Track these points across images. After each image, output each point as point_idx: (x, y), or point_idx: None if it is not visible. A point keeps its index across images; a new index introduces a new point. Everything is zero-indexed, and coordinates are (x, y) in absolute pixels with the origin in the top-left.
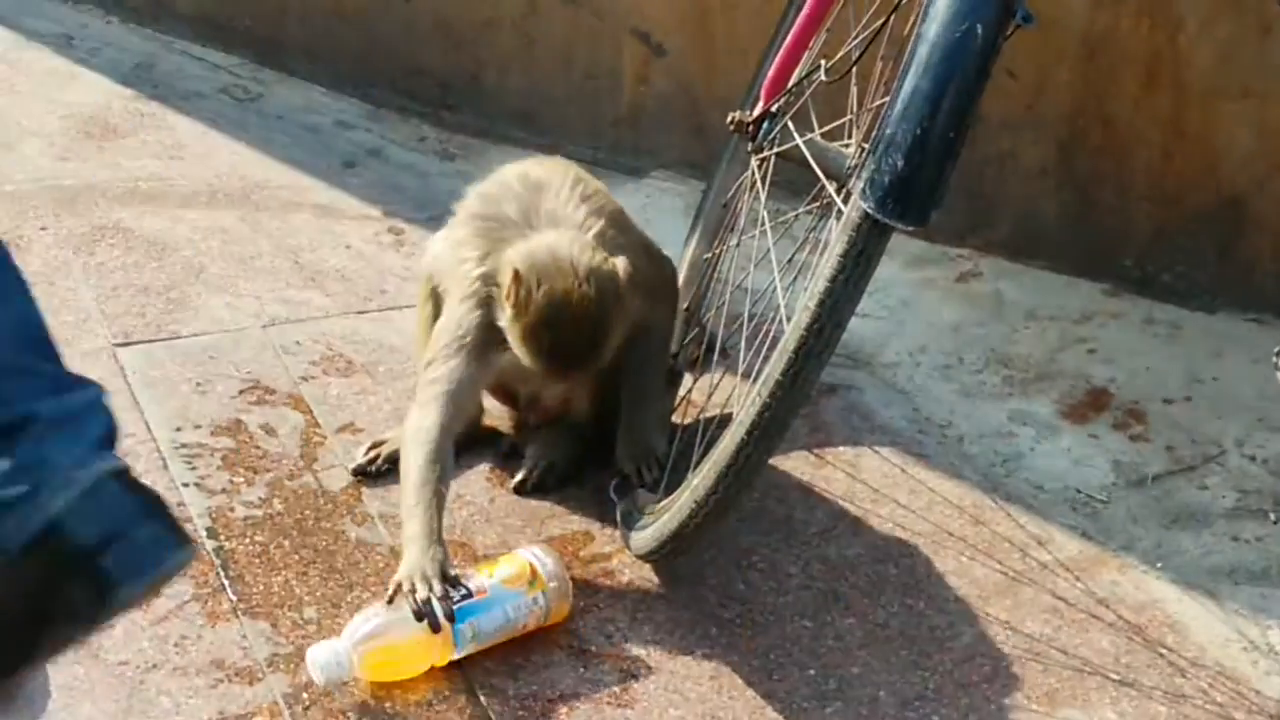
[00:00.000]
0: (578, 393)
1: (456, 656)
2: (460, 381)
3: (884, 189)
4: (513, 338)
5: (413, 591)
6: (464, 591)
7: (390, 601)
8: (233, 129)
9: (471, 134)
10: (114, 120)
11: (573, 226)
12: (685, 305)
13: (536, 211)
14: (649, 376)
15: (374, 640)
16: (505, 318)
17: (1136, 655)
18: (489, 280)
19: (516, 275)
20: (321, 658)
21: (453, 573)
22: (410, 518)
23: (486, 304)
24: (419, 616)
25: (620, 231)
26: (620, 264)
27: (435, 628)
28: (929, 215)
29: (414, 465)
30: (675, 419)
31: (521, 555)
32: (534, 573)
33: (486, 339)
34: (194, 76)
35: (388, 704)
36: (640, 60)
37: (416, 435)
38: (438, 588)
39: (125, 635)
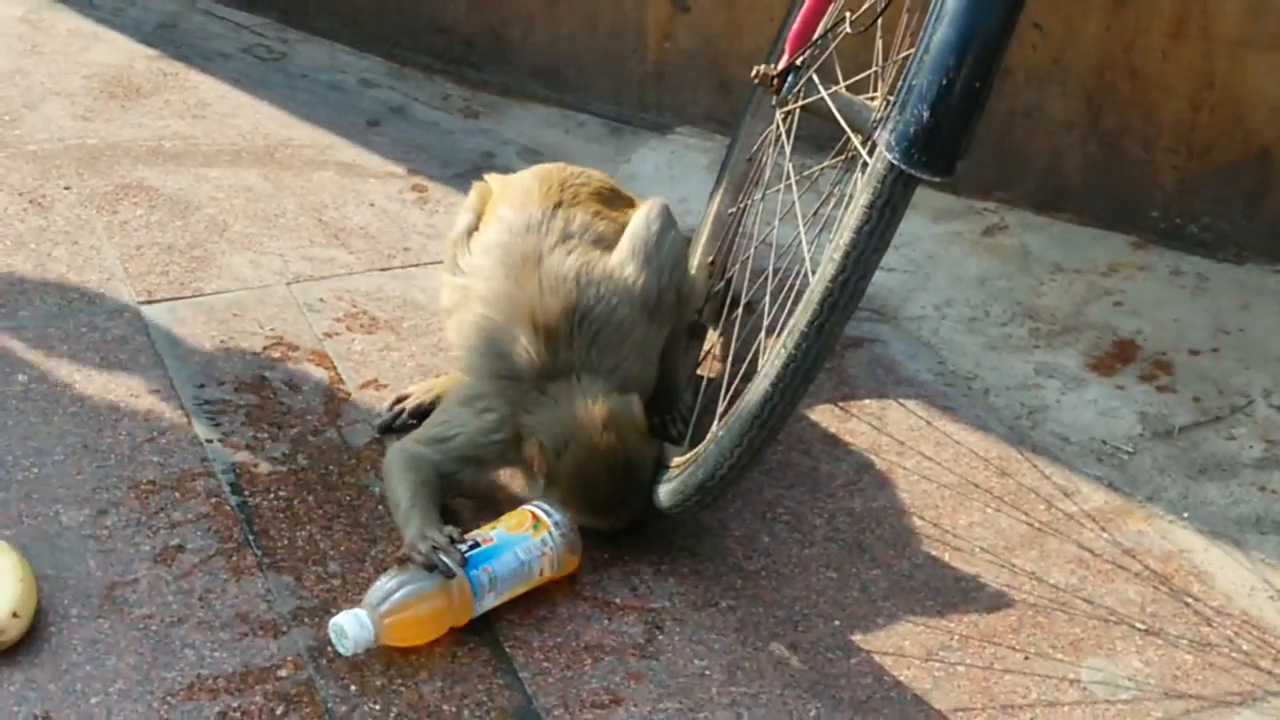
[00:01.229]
0: None
1: (478, 612)
2: (459, 462)
3: (910, 140)
4: (555, 501)
5: (418, 550)
6: (470, 542)
7: (401, 565)
8: (256, 88)
9: (495, 92)
10: (137, 80)
11: (583, 365)
12: (710, 259)
13: (540, 356)
14: (673, 333)
15: (393, 602)
16: (540, 486)
17: (1162, 605)
18: (513, 444)
19: (540, 448)
20: (346, 626)
21: (454, 531)
22: (407, 520)
23: (505, 451)
24: (430, 569)
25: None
26: (633, 400)
27: (449, 573)
28: (955, 166)
29: (400, 485)
30: (700, 373)
31: (523, 508)
32: (536, 518)
33: (496, 446)
34: (217, 36)
35: (413, 656)
36: (664, 16)
37: (410, 460)
38: (441, 539)
39: (150, 589)
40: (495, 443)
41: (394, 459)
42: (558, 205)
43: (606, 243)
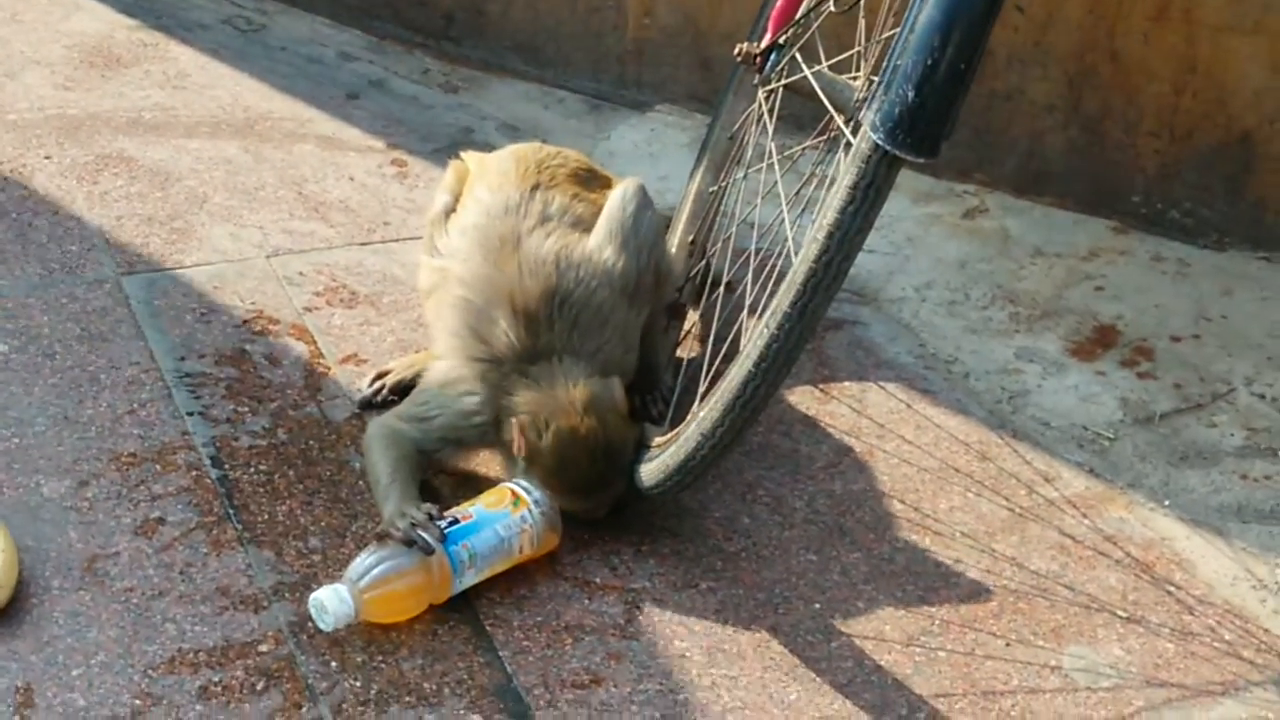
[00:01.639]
0: None
1: (458, 589)
2: (429, 448)
3: (894, 120)
4: (536, 481)
5: (396, 527)
6: (449, 519)
7: (380, 541)
8: (236, 60)
9: (475, 66)
10: (117, 50)
11: (564, 348)
12: (691, 238)
13: (520, 339)
14: (653, 314)
15: (372, 577)
16: (521, 467)
17: (1144, 592)
18: (493, 425)
19: (521, 429)
20: (327, 601)
21: (433, 508)
22: (386, 496)
23: (485, 433)
24: (409, 544)
25: (601, 242)
26: (614, 383)
27: (428, 549)
28: (939, 147)
29: (381, 461)
30: (680, 353)
31: (503, 485)
32: (515, 495)
33: (476, 431)
34: (197, 7)
35: (393, 632)
36: None
37: (390, 436)
38: (420, 516)
39: (131, 562)
40: (476, 425)
41: (374, 435)
42: (535, 187)
43: (585, 225)
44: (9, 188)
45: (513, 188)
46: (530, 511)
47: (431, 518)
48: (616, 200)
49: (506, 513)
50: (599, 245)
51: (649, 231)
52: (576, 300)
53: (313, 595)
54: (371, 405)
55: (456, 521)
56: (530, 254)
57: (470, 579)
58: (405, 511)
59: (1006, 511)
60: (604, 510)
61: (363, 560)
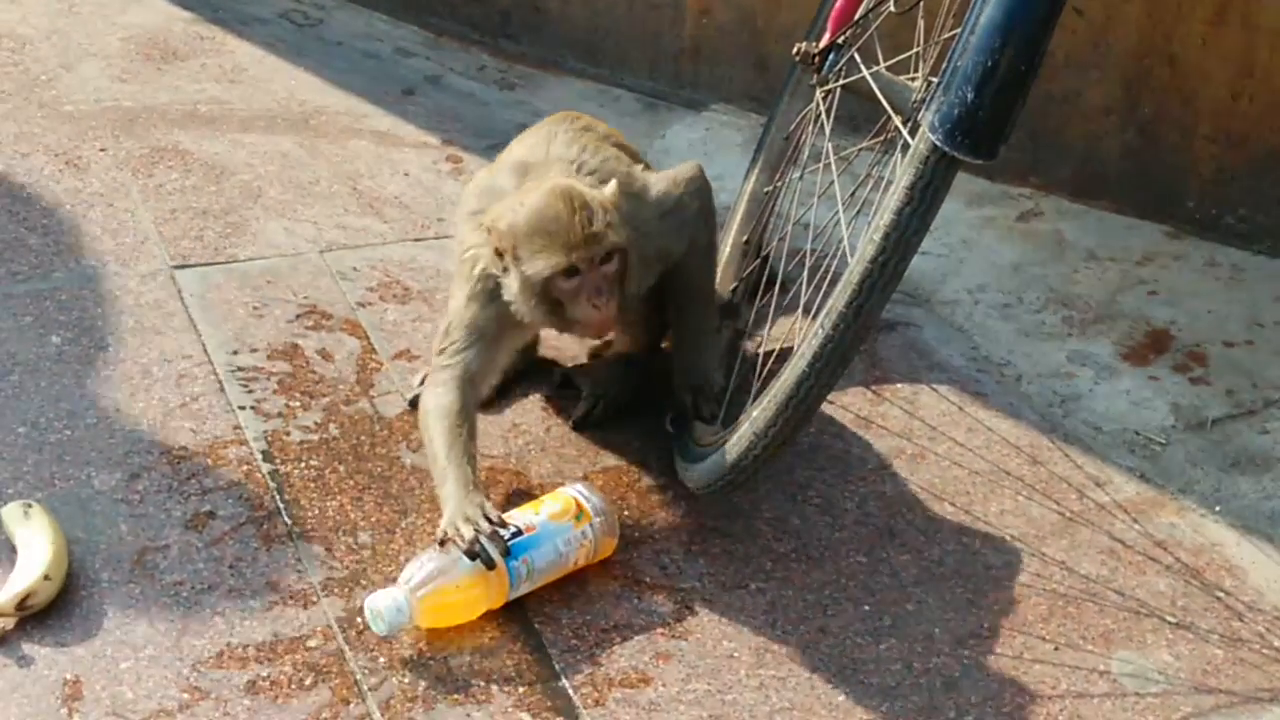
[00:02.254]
0: (641, 331)
1: (512, 597)
2: (469, 365)
3: (953, 121)
4: (513, 295)
5: (460, 535)
6: (513, 529)
7: (441, 546)
8: (292, 54)
9: (531, 64)
10: (174, 43)
11: (566, 168)
12: (745, 238)
13: (527, 175)
14: (697, 307)
15: (430, 586)
16: (501, 278)
17: (1194, 598)
18: (483, 254)
19: (493, 221)
20: (382, 606)
21: (496, 514)
22: (443, 479)
23: (485, 280)
24: (472, 556)
25: (623, 163)
26: (607, 191)
27: (490, 565)
28: (999, 149)
29: (437, 435)
30: (733, 352)
31: (565, 491)
32: (579, 507)
33: (492, 316)
34: (255, 1)
35: (442, 630)
36: None
37: (435, 412)
38: (485, 526)
39: (180, 555)
40: (480, 293)
41: (424, 406)
42: (567, 129)
43: (617, 155)
44: (64, 179)
45: (544, 130)
46: (591, 526)
47: (494, 529)
48: (673, 169)
49: (569, 526)
50: (641, 173)
51: (698, 193)
52: (586, 129)
53: (368, 600)
54: None
55: (520, 533)
56: (560, 142)
57: (524, 590)
58: (470, 517)
59: (1057, 515)
60: (585, 258)
61: (421, 565)
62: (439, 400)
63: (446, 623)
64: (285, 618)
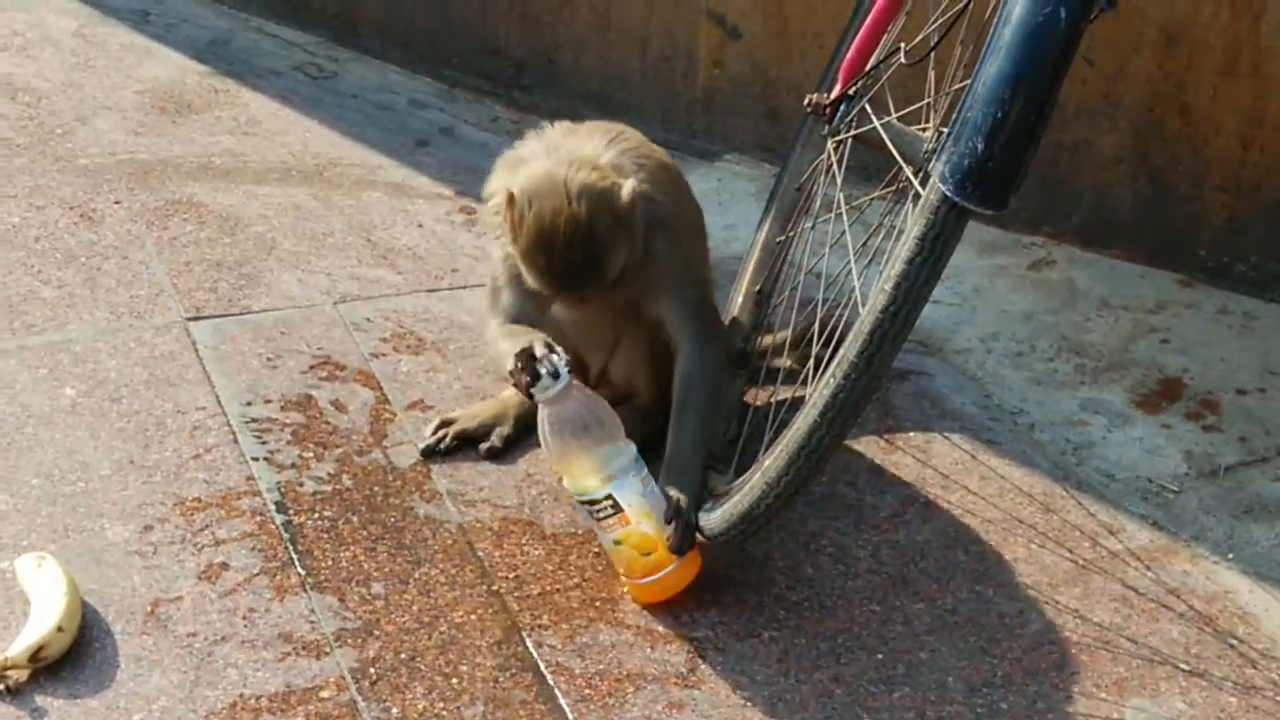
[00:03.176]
0: (641, 373)
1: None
2: (513, 307)
3: (964, 172)
4: (519, 262)
5: (513, 369)
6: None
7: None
8: (306, 106)
9: (545, 115)
10: (188, 96)
11: (591, 153)
12: (757, 288)
13: (558, 147)
14: (693, 415)
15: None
16: (510, 244)
17: (1207, 646)
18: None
19: (510, 200)
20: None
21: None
22: (499, 348)
23: (507, 252)
24: (534, 376)
25: (642, 164)
26: (627, 186)
27: (555, 373)
28: (1009, 199)
29: (503, 339)
30: (746, 401)
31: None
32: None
33: (516, 277)
34: (269, 54)
35: (454, 680)
36: (715, 43)
37: (497, 333)
38: (540, 349)
39: (194, 607)
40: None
41: (490, 340)
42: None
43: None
44: (79, 232)
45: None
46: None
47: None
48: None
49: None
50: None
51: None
52: (623, 132)
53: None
54: (435, 453)
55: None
56: (588, 131)
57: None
58: (522, 345)
59: (1070, 563)
60: (571, 299)
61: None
62: (499, 332)
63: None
64: (298, 669)
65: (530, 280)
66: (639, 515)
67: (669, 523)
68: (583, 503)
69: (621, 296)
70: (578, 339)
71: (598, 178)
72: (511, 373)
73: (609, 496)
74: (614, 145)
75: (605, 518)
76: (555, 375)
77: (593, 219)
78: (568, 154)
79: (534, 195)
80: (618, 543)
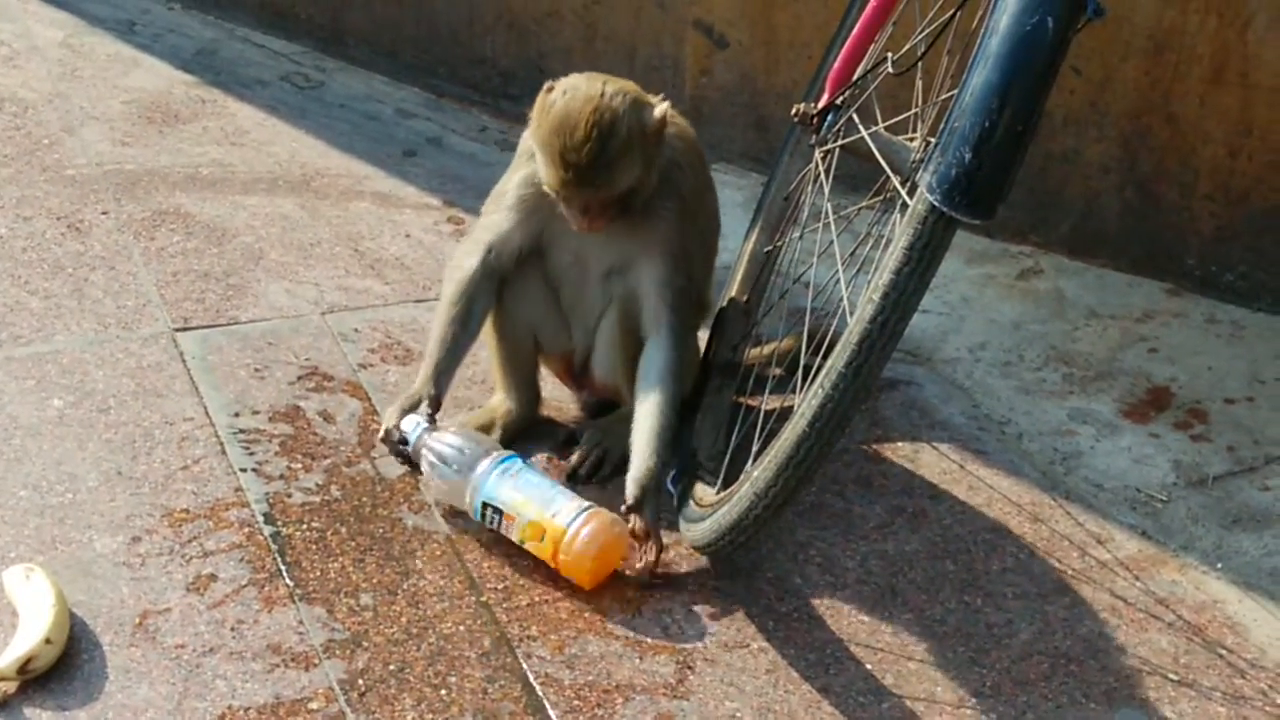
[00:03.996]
0: (621, 374)
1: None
2: (501, 229)
3: (951, 182)
4: (536, 151)
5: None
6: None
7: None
8: (294, 116)
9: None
10: (175, 106)
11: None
12: (745, 298)
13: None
14: (665, 396)
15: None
16: (533, 133)
17: (1196, 656)
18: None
19: (549, 88)
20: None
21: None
22: (427, 354)
23: (530, 160)
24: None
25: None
26: (660, 106)
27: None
28: (996, 209)
29: (444, 302)
30: (733, 412)
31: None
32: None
33: (527, 193)
34: (255, 64)
35: (443, 691)
36: (702, 52)
37: (453, 273)
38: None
39: (182, 618)
40: (528, 168)
41: (449, 270)
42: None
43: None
44: (66, 243)
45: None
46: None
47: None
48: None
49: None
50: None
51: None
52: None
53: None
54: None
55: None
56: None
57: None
58: (403, 408)
59: (1058, 573)
60: (574, 188)
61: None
62: (461, 264)
63: None
64: (287, 680)
65: (542, 173)
66: (518, 507)
67: (628, 514)
68: (486, 526)
69: (615, 247)
70: (570, 302)
71: (636, 92)
72: (383, 440)
73: (485, 506)
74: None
75: (499, 525)
76: (405, 442)
77: (619, 118)
78: (610, 79)
79: (571, 87)
80: (523, 541)
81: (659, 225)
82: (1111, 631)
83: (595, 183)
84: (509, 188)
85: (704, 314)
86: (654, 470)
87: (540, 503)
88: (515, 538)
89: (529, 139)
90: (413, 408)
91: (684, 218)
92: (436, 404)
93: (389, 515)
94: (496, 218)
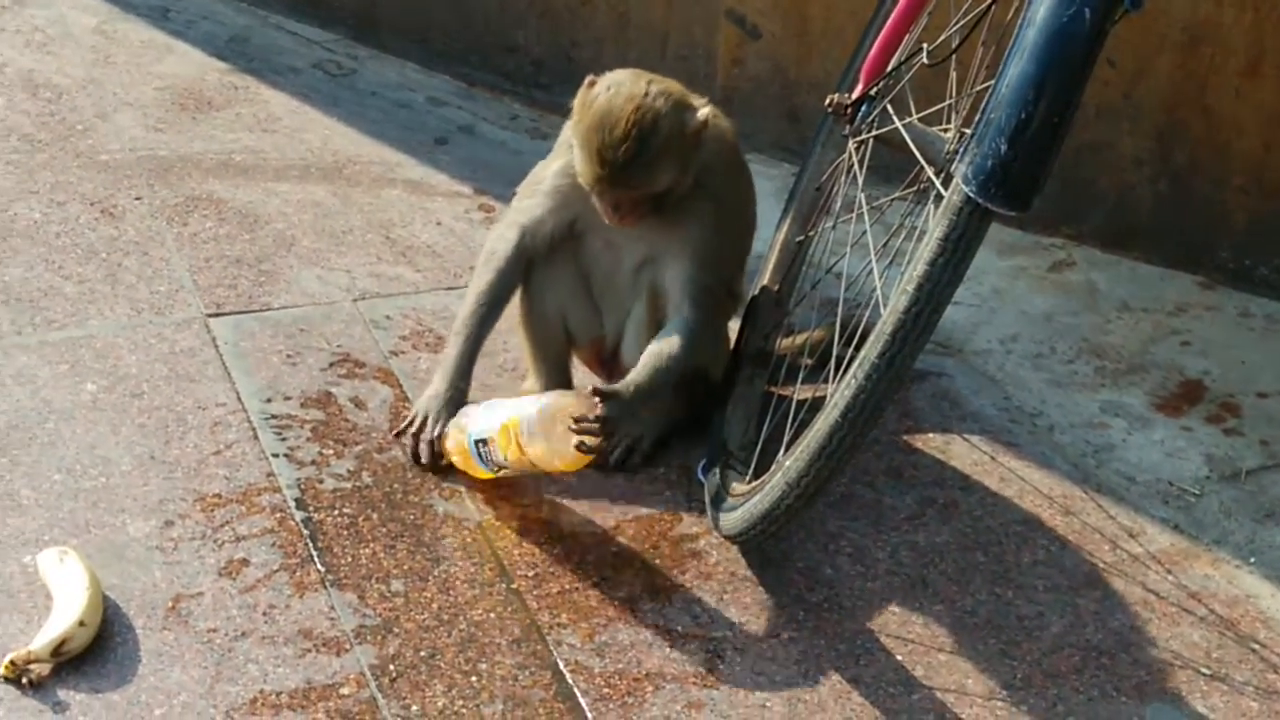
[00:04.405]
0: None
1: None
2: (535, 214)
3: (986, 173)
4: (574, 145)
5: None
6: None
7: (397, 435)
8: (326, 104)
9: (564, 113)
10: (208, 93)
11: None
12: (776, 288)
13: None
14: (666, 353)
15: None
16: (574, 127)
17: (1228, 650)
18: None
19: (591, 82)
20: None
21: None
22: (450, 344)
23: (569, 150)
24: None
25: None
26: (703, 110)
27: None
28: (1032, 201)
29: (473, 289)
30: (766, 401)
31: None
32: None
33: (563, 183)
34: (288, 51)
35: (473, 679)
36: (734, 42)
37: (487, 258)
38: (431, 430)
39: (214, 602)
40: (567, 156)
41: (485, 249)
42: None
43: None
44: (99, 228)
45: None
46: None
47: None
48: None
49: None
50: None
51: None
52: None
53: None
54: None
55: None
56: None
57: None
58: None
59: (1090, 566)
60: (606, 184)
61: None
62: (495, 249)
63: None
64: (318, 665)
65: (579, 166)
66: (494, 427)
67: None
68: (492, 471)
69: (647, 240)
70: (601, 290)
71: (679, 93)
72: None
73: (477, 444)
74: (703, 102)
75: (492, 456)
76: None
77: (659, 119)
78: (655, 76)
79: (615, 84)
80: (505, 458)
81: (691, 223)
82: (1143, 625)
83: (630, 182)
84: (546, 175)
85: (736, 306)
86: (639, 386)
87: (509, 409)
88: (501, 458)
89: (569, 130)
90: (441, 409)
91: (717, 217)
92: (461, 403)
93: (420, 501)
94: (531, 203)
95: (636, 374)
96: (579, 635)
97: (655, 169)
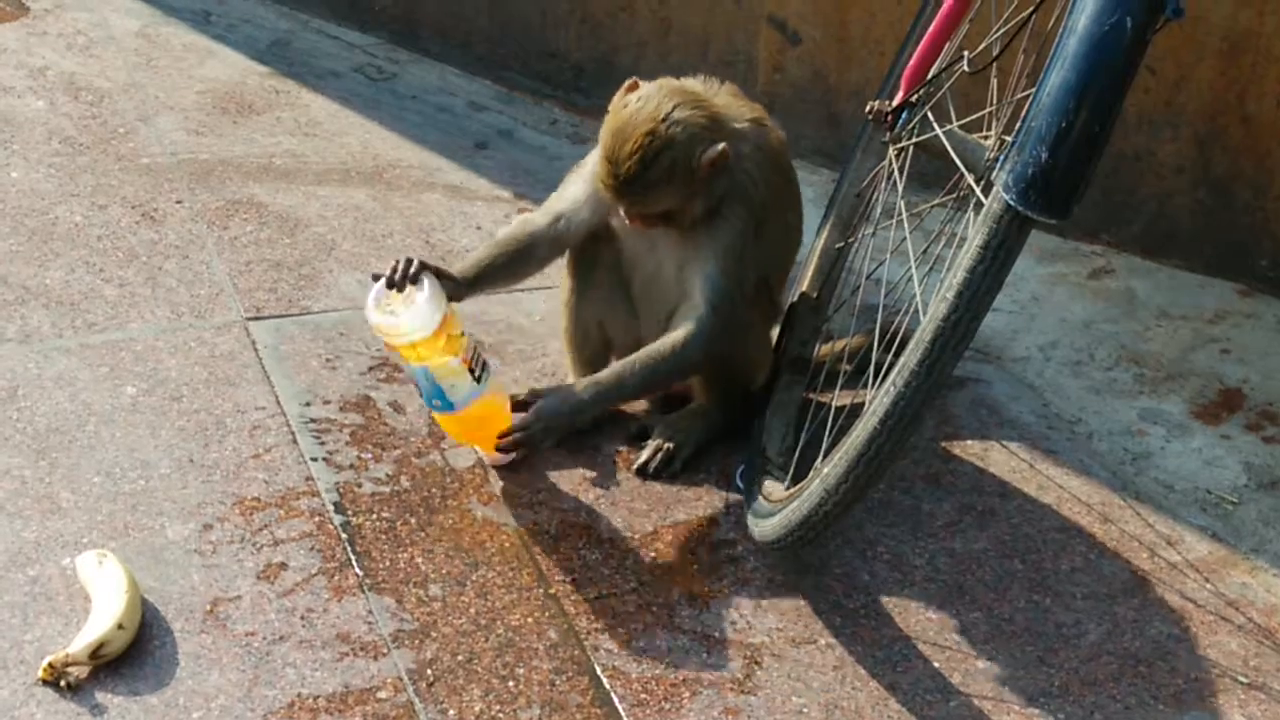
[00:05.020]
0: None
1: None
2: (575, 200)
3: (1027, 181)
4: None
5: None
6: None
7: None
8: (366, 108)
9: (603, 118)
10: (249, 96)
11: (721, 109)
12: (815, 294)
13: (697, 88)
14: (658, 354)
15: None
16: (604, 122)
17: (1266, 659)
18: None
19: (631, 86)
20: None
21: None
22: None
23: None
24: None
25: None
26: (718, 146)
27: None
28: (1072, 209)
29: (502, 232)
30: (805, 407)
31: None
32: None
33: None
34: (329, 55)
35: (511, 682)
36: (775, 48)
37: (519, 222)
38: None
39: (253, 606)
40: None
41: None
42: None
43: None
44: (140, 231)
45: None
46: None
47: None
48: None
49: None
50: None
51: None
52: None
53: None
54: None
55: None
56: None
57: None
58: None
59: (1128, 574)
60: (615, 190)
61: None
62: (530, 218)
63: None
64: (356, 669)
65: (597, 164)
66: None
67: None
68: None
69: (681, 246)
70: (641, 292)
71: (700, 124)
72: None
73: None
74: (748, 117)
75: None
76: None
77: (665, 149)
78: (695, 93)
79: (645, 97)
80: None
81: (721, 230)
82: (1181, 633)
83: (629, 197)
84: (589, 163)
85: (776, 316)
86: (594, 385)
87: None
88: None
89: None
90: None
91: (749, 224)
92: (465, 284)
93: (458, 506)
94: (573, 190)
95: (601, 374)
96: (616, 641)
97: (653, 193)
